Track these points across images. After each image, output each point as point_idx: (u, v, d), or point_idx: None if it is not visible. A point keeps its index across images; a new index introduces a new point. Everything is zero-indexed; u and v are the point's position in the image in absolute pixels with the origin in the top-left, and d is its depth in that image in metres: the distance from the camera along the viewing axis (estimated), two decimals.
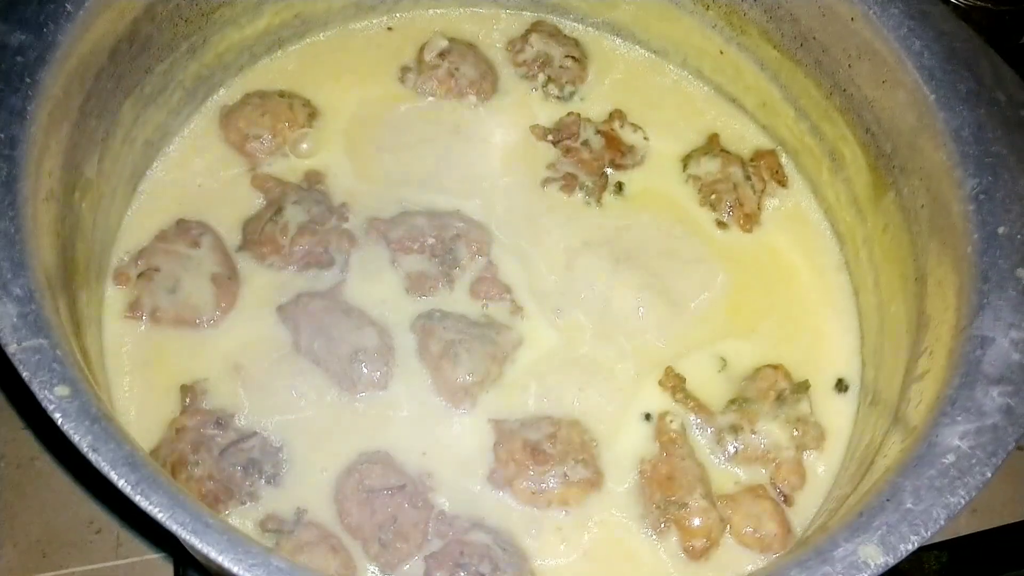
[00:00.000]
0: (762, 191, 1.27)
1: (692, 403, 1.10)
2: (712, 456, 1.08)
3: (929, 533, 0.81)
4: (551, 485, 1.02)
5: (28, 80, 0.91)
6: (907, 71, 1.07)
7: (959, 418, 0.87)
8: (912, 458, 0.86)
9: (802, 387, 1.11)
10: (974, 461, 0.84)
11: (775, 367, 1.13)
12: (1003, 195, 0.98)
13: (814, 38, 1.20)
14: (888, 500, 0.82)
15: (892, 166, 1.12)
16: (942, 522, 0.81)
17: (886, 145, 1.13)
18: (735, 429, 1.08)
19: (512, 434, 1.05)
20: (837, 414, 1.13)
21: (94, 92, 1.03)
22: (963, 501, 0.82)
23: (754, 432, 1.08)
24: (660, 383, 1.12)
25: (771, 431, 1.08)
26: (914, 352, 1.01)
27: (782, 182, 1.29)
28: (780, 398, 1.09)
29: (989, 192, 0.98)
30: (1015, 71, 1.07)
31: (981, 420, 0.86)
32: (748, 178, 1.26)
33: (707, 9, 1.30)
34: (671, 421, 1.08)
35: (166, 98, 1.19)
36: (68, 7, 0.96)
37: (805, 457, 1.09)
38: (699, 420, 1.10)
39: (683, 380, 1.12)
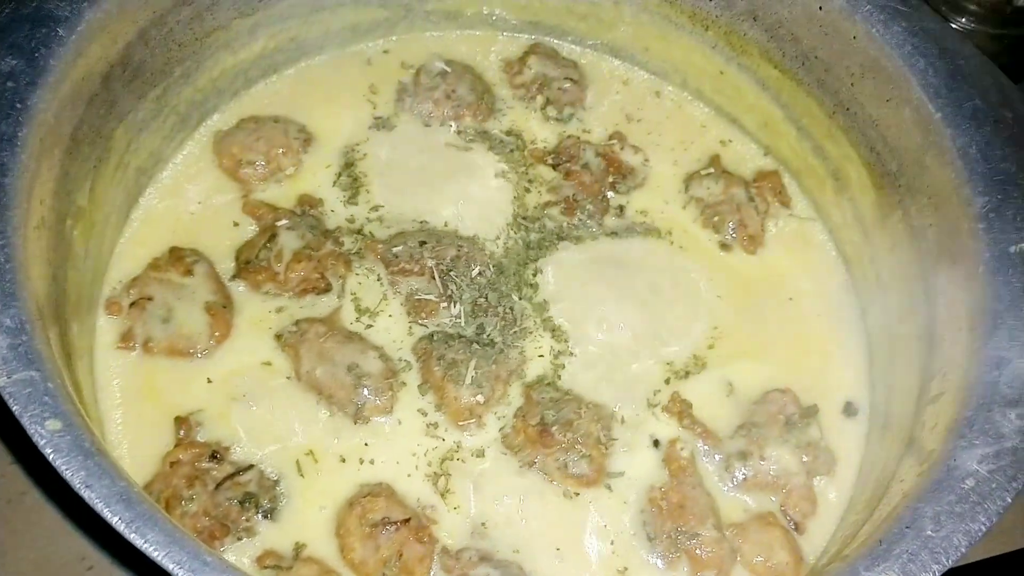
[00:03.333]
0: (765, 212, 1.25)
1: (699, 428, 1.08)
2: (720, 483, 1.06)
3: (951, 561, 0.79)
4: (549, 466, 1.03)
5: (19, 106, 0.90)
6: (912, 89, 1.06)
7: (977, 441, 0.85)
8: (930, 483, 0.84)
9: (811, 411, 1.09)
10: (994, 486, 0.82)
11: (783, 391, 1.11)
12: (1013, 213, 0.97)
13: (816, 57, 1.19)
14: (908, 527, 0.80)
15: (898, 185, 1.11)
16: (963, 549, 0.80)
17: (892, 164, 1.12)
18: (744, 455, 1.06)
19: (536, 406, 1.04)
20: (847, 438, 1.11)
21: (86, 118, 1.01)
22: (984, 527, 0.81)
23: (763, 458, 1.05)
24: (666, 408, 1.10)
25: (780, 457, 1.05)
26: (926, 374, 0.99)
27: (785, 203, 1.28)
28: (789, 423, 1.07)
29: (999, 210, 0.97)
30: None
31: (1000, 443, 0.85)
32: (751, 199, 1.25)
33: (706, 30, 1.29)
34: (681, 448, 1.05)
35: (159, 124, 1.17)
36: (60, 32, 0.95)
37: (815, 483, 1.06)
38: (706, 446, 1.08)
39: (690, 405, 1.10)
